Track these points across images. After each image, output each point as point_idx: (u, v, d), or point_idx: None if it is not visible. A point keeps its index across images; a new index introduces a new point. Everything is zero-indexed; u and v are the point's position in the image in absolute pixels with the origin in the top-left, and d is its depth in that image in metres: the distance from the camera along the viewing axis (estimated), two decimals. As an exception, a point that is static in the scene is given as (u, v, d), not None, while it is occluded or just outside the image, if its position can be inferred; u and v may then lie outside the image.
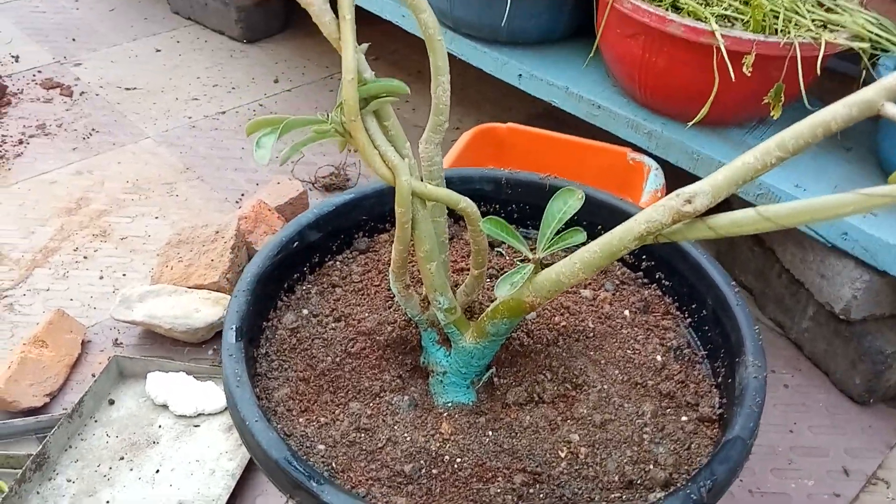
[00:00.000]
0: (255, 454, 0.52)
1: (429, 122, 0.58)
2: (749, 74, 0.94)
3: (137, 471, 0.88)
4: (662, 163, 1.10)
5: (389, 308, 0.68)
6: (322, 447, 0.57)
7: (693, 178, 0.53)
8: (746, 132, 1.11)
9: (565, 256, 0.53)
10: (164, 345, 1.04)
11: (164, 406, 0.94)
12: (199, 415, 0.93)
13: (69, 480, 0.86)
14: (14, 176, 1.35)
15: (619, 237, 0.52)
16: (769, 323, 1.19)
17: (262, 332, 0.65)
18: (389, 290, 0.70)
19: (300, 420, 0.59)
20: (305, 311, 0.68)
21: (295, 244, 0.68)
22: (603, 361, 0.66)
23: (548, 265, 0.54)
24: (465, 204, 0.55)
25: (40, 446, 0.86)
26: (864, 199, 0.45)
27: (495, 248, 0.77)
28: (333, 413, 0.60)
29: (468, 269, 0.65)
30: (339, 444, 0.57)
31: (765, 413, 1.07)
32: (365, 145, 0.50)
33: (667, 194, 0.50)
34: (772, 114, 0.93)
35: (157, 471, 0.88)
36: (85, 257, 1.19)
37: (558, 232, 0.56)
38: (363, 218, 0.75)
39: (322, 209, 0.71)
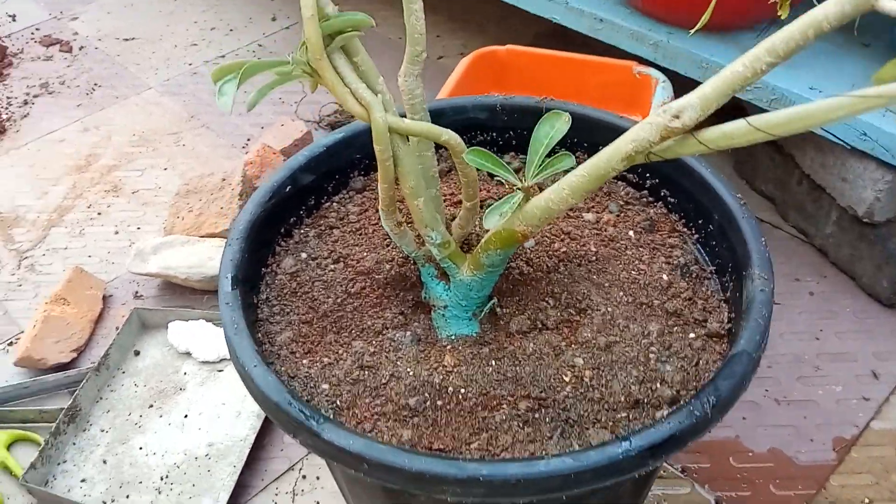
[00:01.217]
0: (257, 399, 0.53)
1: (406, 54, 0.56)
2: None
3: (167, 417, 0.91)
4: (671, 74, 1.06)
5: (387, 246, 0.67)
6: (326, 386, 0.58)
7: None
8: (757, 35, 1.05)
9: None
10: (183, 294, 1.06)
11: (188, 353, 0.97)
12: (222, 360, 0.96)
13: (102, 430, 0.90)
14: (23, 137, 1.36)
15: (607, 159, 0.50)
16: (792, 231, 1.17)
17: (261, 279, 0.65)
18: (388, 227, 0.69)
19: (304, 362, 0.60)
20: (304, 255, 0.68)
21: (287, 188, 0.68)
22: (607, 284, 0.65)
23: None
24: (448, 136, 0.54)
25: (71, 399, 0.89)
26: (857, 102, 0.42)
27: (495, 178, 0.75)
28: (337, 353, 0.61)
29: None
30: (342, 383, 0.58)
31: (790, 321, 1.07)
32: (334, 84, 0.48)
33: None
34: (780, 13, 0.89)
35: (186, 416, 0.91)
36: (99, 213, 1.20)
37: (549, 157, 0.55)
38: (357, 157, 0.74)
39: (313, 151, 0.70)
